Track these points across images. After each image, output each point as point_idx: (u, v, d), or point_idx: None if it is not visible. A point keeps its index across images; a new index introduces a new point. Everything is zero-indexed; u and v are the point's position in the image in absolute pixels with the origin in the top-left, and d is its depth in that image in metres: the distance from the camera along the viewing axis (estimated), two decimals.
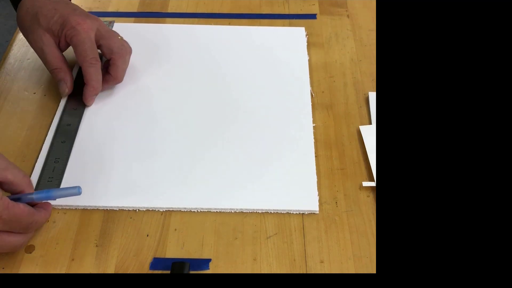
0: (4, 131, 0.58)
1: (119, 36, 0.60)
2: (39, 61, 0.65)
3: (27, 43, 0.68)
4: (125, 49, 0.59)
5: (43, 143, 0.56)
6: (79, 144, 0.56)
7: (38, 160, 0.54)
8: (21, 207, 0.44)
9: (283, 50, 0.67)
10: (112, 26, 0.69)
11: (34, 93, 0.62)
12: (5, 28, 1.72)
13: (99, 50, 0.59)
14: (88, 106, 0.59)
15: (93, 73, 0.57)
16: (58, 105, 0.60)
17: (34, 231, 0.48)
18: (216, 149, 0.56)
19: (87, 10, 0.72)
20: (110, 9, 0.73)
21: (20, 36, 0.69)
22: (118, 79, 0.60)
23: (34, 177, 0.53)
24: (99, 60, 0.57)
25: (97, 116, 0.59)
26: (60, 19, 0.55)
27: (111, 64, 0.59)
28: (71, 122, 0.58)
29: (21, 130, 0.58)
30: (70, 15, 0.56)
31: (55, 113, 0.59)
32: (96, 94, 0.59)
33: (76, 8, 0.58)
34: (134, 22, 0.71)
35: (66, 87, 0.58)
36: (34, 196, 0.46)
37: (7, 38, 1.69)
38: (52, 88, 0.62)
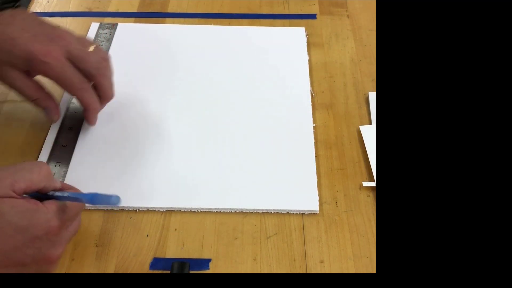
0: (4, 131, 0.58)
1: (92, 45, 0.52)
2: None
3: None
4: (104, 64, 0.53)
5: (44, 143, 0.56)
6: (80, 145, 0.56)
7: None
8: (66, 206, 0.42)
9: (283, 50, 0.67)
10: (115, 29, 0.69)
11: None
12: None
13: None
14: (93, 125, 0.56)
15: (88, 96, 0.52)
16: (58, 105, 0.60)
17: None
18: (216, 149, 0.56)
19: (87, 10, 0.72)
20: (110, 9, 0.73)
21: None
22: (109, 97, 0.55)
23: None
24: (86, 81, 0.51)
25: (98, 118, 0.59)
26: (21, 53, 0.48)
27: (97, 87, 0.53)
28: (72, 125, 0.58)
29: (21, 130, 0.58)
30: (31, 45, 0.48)
31: None
32: (98, 112, 0.55)
33: (34, 29, 0.49)
34: (134, 22, 0.71)
35: (54, 113, 0.53)
36: (67, 195, 0.43)
37: None
38: (53, 88, 0.62)
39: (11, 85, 0.51)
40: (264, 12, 0.72)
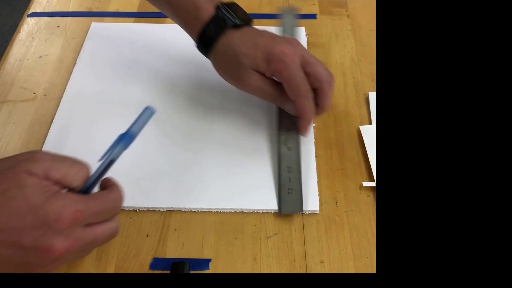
0: (4, 130, 0.58)
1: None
2: (39, 61, 0.66)
3: (27, 43, 0.68)
4: (332, 77, 0.54)
5: (43, 143, 0.56)
6: (79, 144, 0.56)
7: None
8: (92, 199, 0.40)
9: None
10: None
11: (34, 93, 0.62)
12: (5, 28, 1.72)
13: None
14: (305, 136, 0.56)
15: (308, 106, 0.53)
16: (58, 106, 0.60)
17: (119, 211, 0.43)
18: (216, 148, 0.56)
19: (87, 10, 0.72)
20: (110, 9, 0.73)
21: (20, 36, 0.69)
22: (326, 108, 0.54)
23: None
24: (311, 90, 0.53)
25: (96, 117, 0.59)
26: (264, 54, 0.51)
27: (319, 94, 0.53)
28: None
29: (21, 130, 0.58)
30: (273, 47, 0.51)
31: (54, 114, 0.59)
32: (310, 125, 0.55)
33: (272, 36, 0.53)
34: (134, 22, 0.71)
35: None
36: (99, 167, 0.42)
37: (7, 38, 1.69)
38: (52, 88, 0.62)
39: (259, 90, 0.53)
40: (264, 12, 0.72)
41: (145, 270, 0.47)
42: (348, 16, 0.72)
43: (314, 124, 0.58)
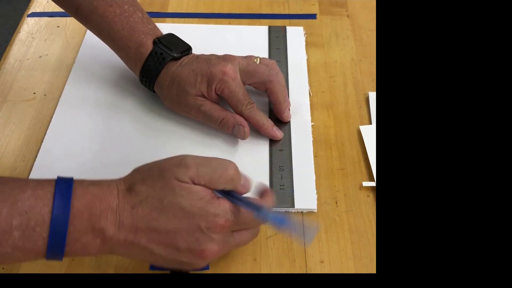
0: (4, 130, 0.58)
1: (256, 58, 0.57)
2: (39, 61, 0.66)
3: (27, 43, 0.68)
4: (273, 71, 0.56)
5: (42, 143, 0.56)
6: (78, 144, 0.56)
7: (36, 160, 0.54)
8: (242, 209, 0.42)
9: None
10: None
11: (34, 93, 0.62)
12: (5, 28, 1.72)
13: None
14: (279, 138, 0.56)
15: (255, 115, 0.55)
16: (56, 105, 0.60)
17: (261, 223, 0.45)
18: (214, 147, 0.56)
19: None
20: None
21: (20, 36, 0.69)
22: (281, 102, 0.57)
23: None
24: (253, 102, 0.55)
25: (94, 117, 0.59)
26: (203, 78, 0.54)
27: (269, 94, 0.56)
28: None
29: (21, 130, 0.58)
30: (211, 69, 0.54)
31: (53, 114, 0.59)
32: (273, 125, 0.56)
33: (208, 58, 0.56)
34: None
35: (244, 127, 0.55)
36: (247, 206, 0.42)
37: (7, 38, 1.69)
38: (52, 88, 0.62)
39: (199, 112, 0.55)
40: (264, 12, 0.72)
41: (145, 270, 0.47)
42: (348, 16, 0.72)
43: (313, 123, 0.58)
